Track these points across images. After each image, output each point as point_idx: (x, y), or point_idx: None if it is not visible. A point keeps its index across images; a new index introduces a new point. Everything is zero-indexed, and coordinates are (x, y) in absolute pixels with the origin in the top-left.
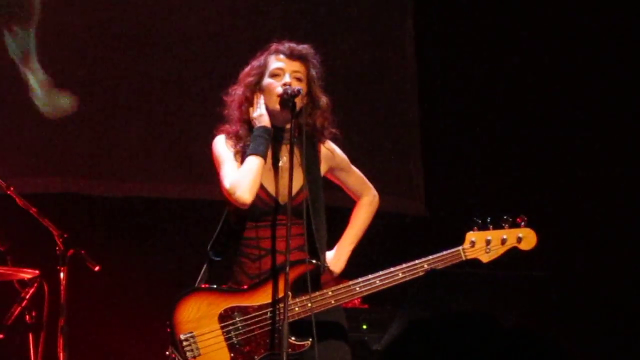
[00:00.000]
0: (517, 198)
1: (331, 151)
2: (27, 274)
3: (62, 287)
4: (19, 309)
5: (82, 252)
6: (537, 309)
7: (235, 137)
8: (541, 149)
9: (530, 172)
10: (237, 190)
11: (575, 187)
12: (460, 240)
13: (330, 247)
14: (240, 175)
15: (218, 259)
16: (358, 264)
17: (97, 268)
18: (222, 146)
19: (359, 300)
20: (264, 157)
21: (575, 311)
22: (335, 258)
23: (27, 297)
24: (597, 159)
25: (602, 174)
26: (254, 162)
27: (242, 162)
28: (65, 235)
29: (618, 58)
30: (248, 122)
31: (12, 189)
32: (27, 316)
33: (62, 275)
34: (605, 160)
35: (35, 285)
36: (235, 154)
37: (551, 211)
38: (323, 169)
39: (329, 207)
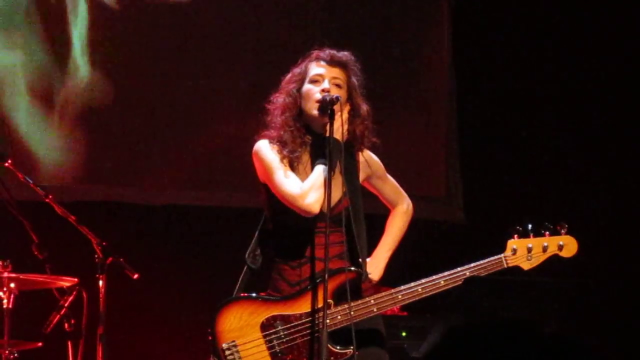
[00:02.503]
0: (556, 205)
1: (368, 159)
2: (66, 282)
3: (100, 295)
4: (58, 317)
5: (121, 260)
6: (577, 316)
7: (279, 143)
8: (582, 155)
9: (571, 178)
10: (308, 198)
11: (616, 192)
12: (497, 248)
13: (368, 254)
14: (313, 185)
15: (256, 266)
16: (396, 271)
17: (135, 276)
18: (269, 151)
19: (398, 307)
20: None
21: (616, 318)
22: (373, 266)
23: (66, 305)
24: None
25: None
26: (324, 175)
27: (289, 167)
28: (104, 244)
29: None
30: (291, 128)
31: (50, 197)
32: (66, 324)
33: (100, 283)
34: None
35: (74, 293)
36: (282, 159)
37: (593, 218)
38: (361, 177)
39: (366, 214)
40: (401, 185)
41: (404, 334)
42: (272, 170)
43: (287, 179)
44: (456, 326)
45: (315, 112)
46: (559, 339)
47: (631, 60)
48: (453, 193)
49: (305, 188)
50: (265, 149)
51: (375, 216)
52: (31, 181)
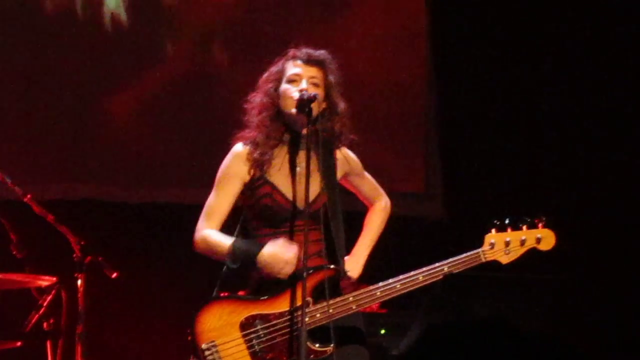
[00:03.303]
0: (536, 198)
1: (346, 157)
2: (45, 281)
3: (79, 295)
4: (37, 316)
5: (100, 259)
6: (557, 312)
7: (252, 144)
8: (562, 148)
9: (550, 172)
10: (196, 239)
11: (596, 187)
12: (478, 243)
13: (346, 252)
14: (209, 245)
15: (235, 265)
16: (375, 268)
17: (114, 275)
18: (230, 166)
19: (378, 304)
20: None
21: (596, 314)
22: (352, 263)
23: (45, 304)
24: (620, 159)
25: (625, 174)
26: (220, 253)
27: (259, 169)
28: (83, 243)
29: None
30: (267, 128)
31: (29, 196)
32: (45, 323)
33: (79, 282)
34: (628, 161)
35: (53, 292)
36: (250, 168)
37: (571, 211)
38: (339, 174)
39: (344, 211)
40: (380, 182)
41: (383, 331)
42: (214, 186)
43: (208, 209)
44: (435, 323)
45: (293, 110)
46: (537, 336)
47: (612, 60)
48: (432, 189)
49: (204, 234)
50: (227, 163)
51: (354, 213)
52: (9, 180)
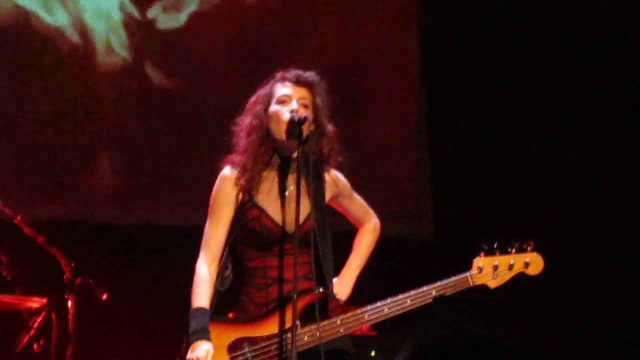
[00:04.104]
0: (528, 221)
1: (334, 179)
2: (35, 302)
3: (69, 316)
4: (27, 337)
5: (90, 280)
6: (544, 333)
7: (240, 169)
8: (552, 172)
9: (542, 195)
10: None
11: (587, 210)
12: (467, 264)
13: (335, 274)
14: (193, 286)
15: (223, 288)
16: (365, 290)
17: (104, 296)
18: (220, 192)
19: (368, 326)
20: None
21: (582, 335)
22: (341, 285)
23: (35, 325)
24: (611, 184)
25: (616, 199)
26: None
27: (247, 194)
28: (73, 264)
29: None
30: (255, 152)
31: (19, 217)
32: (35, 345)
33: (69, 303)
34: (619, 186)
35: (43, 313)
36: (238, 192)
37: (561, 235)
38: (328, 196)
39: (333, 232)
40: (369, 202)
41: (373, 353)
42: (208, 215)
43: (205, 238)
44: (424, 344)
45: (284, 134)
46: (524, 356)
47: (602, 74)
48: (423, 209)
49: (196, 273)
50: (218, 189)
51: (342, 235)
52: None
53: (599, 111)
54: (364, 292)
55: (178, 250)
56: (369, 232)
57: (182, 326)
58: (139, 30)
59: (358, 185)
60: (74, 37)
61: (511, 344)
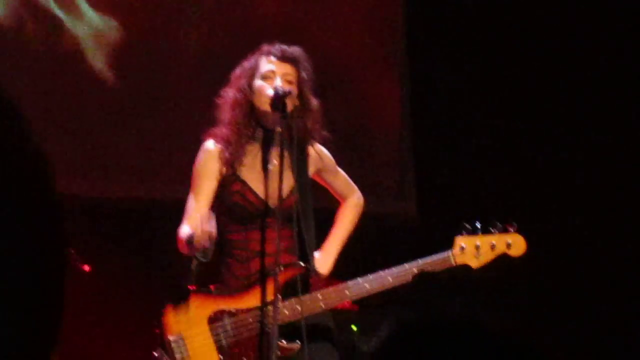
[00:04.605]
0: (511, 202)
1: (319, 153)
2: None
3: None
4: None
5: (72, 251)
6: (528, 312)
7: (224, 142)
8: (539, 153)
9: (526, 177)
10: (178, 244)
11: (571, 193)
12: (450, 242)
13: (317, 248)
14: (179, 240)
15: (206, 260)
16: (347, 265)
17: (86, 268)
18: (203, 164)
19: (350, 301)
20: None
21: (569, 316)
22: (323, 260)
23: None
24: (594, 165)
25: (599, 180)
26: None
27: (231, 168)
28: None
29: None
30: (239, 125)
31: None
32: None
33: None
34: (601, 167)
35: None
36: (222, 165)
37: (548, 216)
38: (311, 171)
39: (315, 208)
40: (352, 178)
41: (354, 328)
42: (191, 187)
43: (188, 211)
44: (405, 321)
45: (267, 107)
46: (506, 337)
47: (583, 60)
48: (406, 187)
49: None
50: (200, 160)
51: (325, 209)
52: None
53: (583, 96)
54: (346, 268)
55: (159, 223)
56: (351, 206)
57: (162, 297)
58: None
59: (342, 162)
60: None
61: (492, 325)
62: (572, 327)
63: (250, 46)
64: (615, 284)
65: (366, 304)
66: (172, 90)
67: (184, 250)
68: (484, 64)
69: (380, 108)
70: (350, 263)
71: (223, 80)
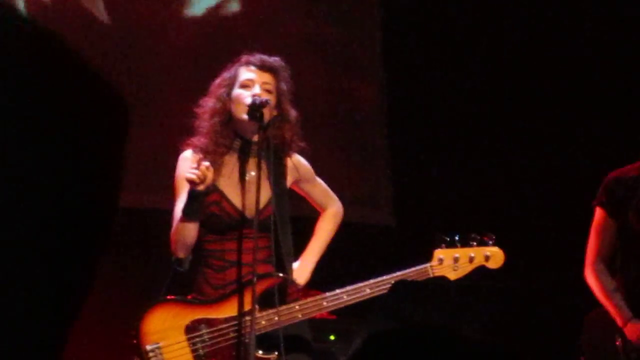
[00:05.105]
0: (488, 212)
1: (296, 164)
2: None
3: None
4: None
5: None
6: (502, 321)
7: (202, 151)
8: (515, 164)
9: (505, 185)
10: (173, 247)
11: (546, 203)
12: (427, 251)
13: (295, 258)
14: (175, 234)
15: (182, 269)
16: (324, 275)
17: None
18: (183, 171)
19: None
20: (195, 220)
21: (540, 324)
22: (300, 270)
23: None
24: (571, 176)
25: (577, 189)
26: (183, 224)
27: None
28: None
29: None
30: (217, 134)
31: None
32: None
33: None
34: (578, 178)
35: None
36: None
37: (521, 226)
38: (289, 181)
39: (293, 216)
40: (331, 187)
41: (332, 337)
42: (174, 192)
43: (174, 219)
44: (379, 331)
45: (244, 116)
46: (481, 345)
47: (557, 64)
48: (382, 196)
49: (172, 236)
50: (180, 169)
51: (304, 218)
52: None
53: (561, 104)
54: (324, 277)
55: (136, 232)
56: (330, 217)
57: (139, 306)
58: None
59: (320, 171)
60: None
61: (467, 335)
62: (548, 334)
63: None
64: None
65: (344, 313)
66: (165, 101)
67: (177, 251)
68: (464, 73)
69: (358, 117)
70: (329, 273)
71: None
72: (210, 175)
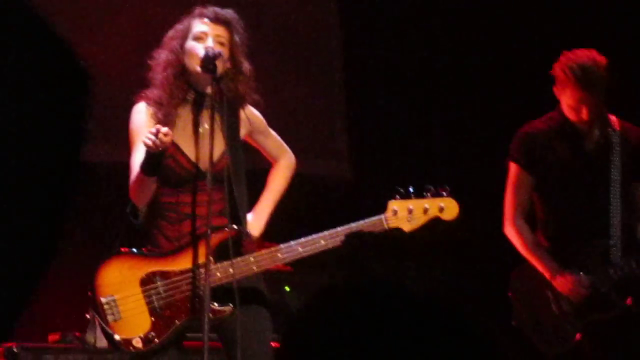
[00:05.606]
0: (444, 165)
1: (250, 115)
2: None
3: None
4: None
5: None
6: (451, 279)
7: (156, 104)
8: (473, 117)
9: (461, 138)
10: (132, 196)
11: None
12: (384, 205)
13: (249, 210)
14: (133, 186)
15: (137, 222)
16: (279, 227)
17: None
18: (138, 122)
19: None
20: (153, 176)
21: (496, 279)
22: (254, 222)
23: None
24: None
25: None
26: (141, 179)
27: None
28: None
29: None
30: (171, 86)
31: None
32: None
33: None
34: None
35: None
36: (155, 124)
37: (483, 179)
38: (242, 133)
39: (248, 170)
40: (286, 140)
41: (287, 289)
42: (131, 143)
43: (132, 168)
44: (333, 283)
45: (198, 68)
46: (431, 302)
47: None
48: (339, 147)
49: (130, 186)
50: (135, 118)
51: (258, 171)
52: None
53: (518, 59)
54: (279, 231)
55: (92, 185)
56: (283, 168)
57: (94, 259)
58: None
59: (275, 124)
60: None
61: (416, 288)
62: (499, 295)
63: None
64: None
65: (299, 265)
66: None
67: (136, 201)
68: (425, 23)
69: (315, 71)
70: (284, 225)
71: None
72: (168, 140)
